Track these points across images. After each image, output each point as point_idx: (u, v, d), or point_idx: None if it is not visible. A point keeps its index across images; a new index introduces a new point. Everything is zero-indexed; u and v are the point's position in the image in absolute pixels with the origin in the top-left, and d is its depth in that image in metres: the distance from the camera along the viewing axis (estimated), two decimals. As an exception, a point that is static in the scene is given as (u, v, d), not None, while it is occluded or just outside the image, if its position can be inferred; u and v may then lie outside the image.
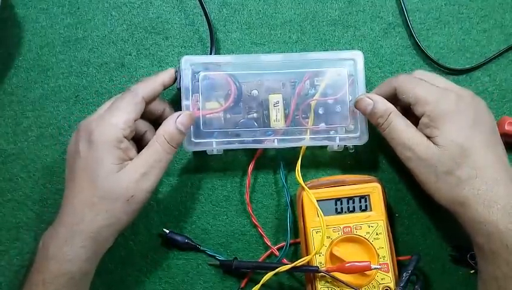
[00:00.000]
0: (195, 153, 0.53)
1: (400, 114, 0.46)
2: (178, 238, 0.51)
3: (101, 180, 0.42)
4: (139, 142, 0.48)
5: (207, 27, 0.53)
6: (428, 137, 0.44)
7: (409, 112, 0.46)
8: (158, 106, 0.49)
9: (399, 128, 0.45)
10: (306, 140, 0.50)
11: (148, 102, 0.46)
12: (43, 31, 0.55)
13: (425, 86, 0.45)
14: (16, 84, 0.54)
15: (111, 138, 0.43)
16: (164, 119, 0.46)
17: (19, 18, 0.55)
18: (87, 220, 0.42)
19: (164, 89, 0.48)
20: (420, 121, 0.45)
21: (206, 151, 0.50)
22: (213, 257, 0.51)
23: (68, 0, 0.55)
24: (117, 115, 0.44)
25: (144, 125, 0.49)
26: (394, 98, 0.47)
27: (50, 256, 0.42)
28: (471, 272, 0.51)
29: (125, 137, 0.44)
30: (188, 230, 0.52)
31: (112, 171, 0.43)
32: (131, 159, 0.44)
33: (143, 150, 0.45)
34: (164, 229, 0.51)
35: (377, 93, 0.48)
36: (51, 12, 0.55)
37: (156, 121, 0.49)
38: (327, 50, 0.55)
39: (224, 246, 0.52)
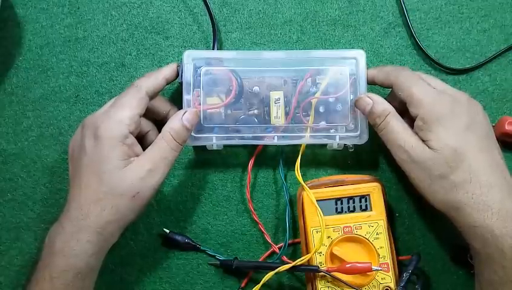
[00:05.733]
0: (195, 151, 0.53)
1: (398, 115, 0.46)
2: (178, 238, 0.51)
3: (107, 176, 0.43)
4: (141, 141, 0.48)
5: (209, 23, 0.53)
6: (423, 140, 0.44)
7: (406, 107, 0.46)
8: (163, 107, 0.50)
9: (396, 130, 0.45)
10: (306, 138, 0.50)
11: (151, 97, 0.46)
12: (43, 31, 0.55)
13: (421, 87, 0.45)
14: (16, 84, 0.54)
15: (116, 134, 0.43)
16: None
17: (19, 18, 0.55)
18: (93, 215, 0.42)
19: (167, 84, 0.48)
20: (415, 124, 0.45)
21: (206, 147, 0.50)
22: (214, 256, 0.51)
23: (68, 0, 0.55)
24: (122, 111, 0.44)
25: (147, 125, 0.49)
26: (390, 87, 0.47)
27: (57, 251, 0.42)
28: (471, 272, 0.50)
29: (131, 133, 0.44)
30: (188, 230, 0.52)
31: (118, 167, 0.43)
32: (136, 155, 0.44)
33: (149, 147, 0.45)
34: (165, 229, 0.51)
35: (374, 76, 0.48)
36: (51, 12, 0.55)
37: (160, 122, 0.49)
38: (327, 49, 0.55)
39: (224, 246, 0.52)
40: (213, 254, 0.51)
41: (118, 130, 0.43)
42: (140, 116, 0.45)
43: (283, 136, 0.50)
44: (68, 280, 0.42)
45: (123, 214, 0.43)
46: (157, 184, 0.44)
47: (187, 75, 0.49)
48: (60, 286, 0.42)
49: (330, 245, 0.48)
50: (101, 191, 0.42)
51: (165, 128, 0.45)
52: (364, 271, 0.47)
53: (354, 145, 0.51)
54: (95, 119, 0.44)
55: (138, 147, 0.45)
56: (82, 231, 0.42)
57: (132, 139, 0.44)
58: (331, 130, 0.50)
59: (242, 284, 0.51)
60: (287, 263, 0.49)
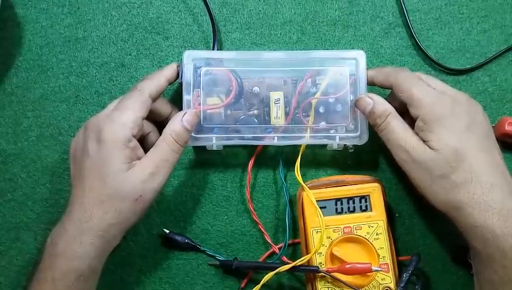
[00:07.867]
0: (195, 152, 0.53)
1: (399, 116, 0.46)
2: (178, 238, 0.51)
3: (110, 179, 0.43)
4: (142, 142, 0.48)
5: (209, 23, 0.53)
6: (424, 140, 0.44)
7: (406, 108, 0.46)
8: (165, 108, 0.50)
9: (396, 130, 0.45)
10: (306, 138, 0.50)
11: (154, 99, 0.46)
12: (43, 31, 0.55)
13: (421, 87, 0.45)
14: (16, 84, 0.54)
15: (120, 137, 0.43)
16: None
17: (19, 18, 0.55)
18: (96, 218, 0.42)
19: (169, 84, 0.48)
20: (415, 124, 0.45)
21: (206, 147, 0.50)
22: (214, 257, 0.51)
23: (68, 0, 0.55)
24: (126, 114, 0.44)
25: (148, 127, 0.49)
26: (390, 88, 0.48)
27: (59, 253, 0.42)
28: (471, 272, 0.50)
29: (134, 136, 0.44)
30: (188, 230, 0.52)
31: (121, 171, 0.43)
32: (138, 158, 0.44)
33: (150, 149, 0.45)
34: (164, 229, 0.51)
35: (373, 77, 0.48)
36: (51, 12, 0.55)
37: (161, 124, 0.49)
38: (327, 50, 0.55)
39: (224, 246, 0.52)
40: (213, 254, 0.51)
41: (121, 134, 0.43)
42: (143, 119, 0.45)
43: (283, 137, 0.50)
44: (70, 282, 0.42)
45: (126, 217, 0.43)
46: (159, 187, 0.44)
47: (187, 75, 0.49)
48: (62, 288, 0.42)
49: (330, 246, 0.48)
50: (104, 194, 0.43)
51: (166, 130, 0.45)
52: (364, 272, 0.47)
53: (354, 146, 0.51)
54: (99, 121, 0.44)
55: (141, 150, 0.45)
56: (85, 233, 0.42)
57: (135, 142, 0.44)
58: (331, 131, 0.50)
59: (242, 285, 0.51)
60: (287, 263, 0.49)
